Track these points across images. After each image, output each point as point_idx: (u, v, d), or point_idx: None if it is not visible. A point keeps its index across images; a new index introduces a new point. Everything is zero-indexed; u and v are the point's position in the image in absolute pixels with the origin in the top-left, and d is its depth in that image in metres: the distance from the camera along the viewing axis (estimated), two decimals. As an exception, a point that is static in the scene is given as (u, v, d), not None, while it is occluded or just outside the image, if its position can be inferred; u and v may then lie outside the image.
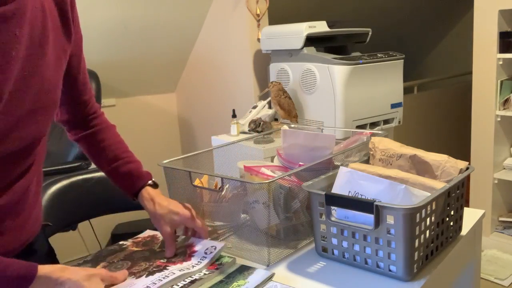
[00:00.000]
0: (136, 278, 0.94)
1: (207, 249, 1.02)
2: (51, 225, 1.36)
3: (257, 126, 2.33)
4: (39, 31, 0.86)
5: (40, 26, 0.86)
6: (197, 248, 1.05)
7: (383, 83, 2.40)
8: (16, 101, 0.81)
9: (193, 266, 0.98)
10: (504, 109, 2.69)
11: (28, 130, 0.85)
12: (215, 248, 1.02)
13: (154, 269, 0.98)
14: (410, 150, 1.15)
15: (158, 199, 1.07)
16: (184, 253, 1.04)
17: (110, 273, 0.90)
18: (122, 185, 1.10)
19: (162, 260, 1.02)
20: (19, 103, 0.82)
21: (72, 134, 1.12)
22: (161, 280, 0.91)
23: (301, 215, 1.11)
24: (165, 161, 1.18)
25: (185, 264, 0.99)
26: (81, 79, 1.04)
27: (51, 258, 1.09)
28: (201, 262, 0.99)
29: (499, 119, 2.72)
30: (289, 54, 2.45)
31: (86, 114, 1.10)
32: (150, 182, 1.10)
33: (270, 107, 2.53)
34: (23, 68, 0.82)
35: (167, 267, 0.98)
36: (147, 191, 1.08)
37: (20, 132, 0.84)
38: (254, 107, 2.52)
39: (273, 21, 2.80)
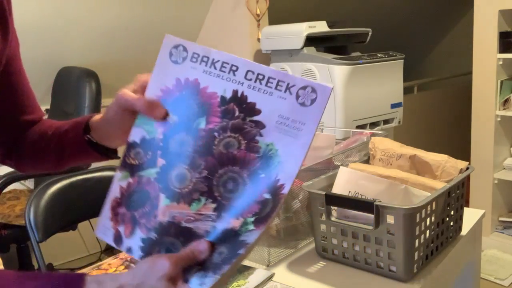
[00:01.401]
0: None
1: None
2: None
3: (257, 126, 2.33)
4: None
5: None
6: None
7: (383, 83, 2.40)
8: None
9: None
10: (504, 109, 2.69)
11: None
12: None
13: None
14: (410, 150, 1.15)
15: None
16: None
17: (175, 258, 0.57)
18: (71, 138, 0.77)
19: None
20: None
21: (7, 158, 0.85)
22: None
23: (301, 215, 1.11)
24: (165, 161, 1.17)
25: None
26: (25, 93, 0.83)
27: None
28: None
29: (499, 119, 2.72)
30: (289, 54, 2.45)
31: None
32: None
33: (270, 107, 2.53)
34: None
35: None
36: (97, 116, 0.76)
37: None
38: (254, 107, 2.52)
39: (273, 21, 2.80)
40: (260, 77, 0.59)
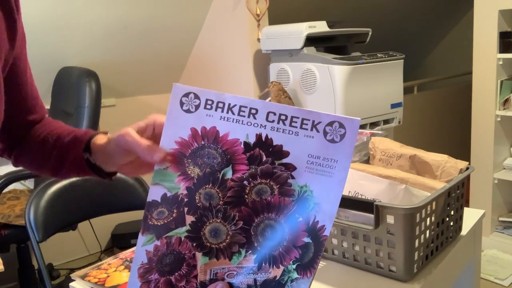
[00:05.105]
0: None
1: None
2: None
3: (257, 126, 2.33)
4: None
5: None
6: None
7: (383, 83, 2.40)
8: None
9: None
10: (504, 109, 2.69)
11: None
12: None
13: None
14: (410, 150, 1.15)
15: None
16: None
17: None
18: (71, 155, 0.76)
19: None
20: None
21: (6, 154, 0.84)
22: None
23: (301, 215, 1.11)
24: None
25: None
26: (29, 92, 0.81)
27: None
28: None
29: (499, 119, 2.72)
30: (289, 54, 2.45)
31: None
32: (102, 132, 0.78)
33: (270, 107, 2.53)
34: None
35: None
36: (99, 137, 0.75)
37: None
38: (254, 107, 2.52)
39: (273, 21, 2.80)
40: (283, 117, 0.57)
